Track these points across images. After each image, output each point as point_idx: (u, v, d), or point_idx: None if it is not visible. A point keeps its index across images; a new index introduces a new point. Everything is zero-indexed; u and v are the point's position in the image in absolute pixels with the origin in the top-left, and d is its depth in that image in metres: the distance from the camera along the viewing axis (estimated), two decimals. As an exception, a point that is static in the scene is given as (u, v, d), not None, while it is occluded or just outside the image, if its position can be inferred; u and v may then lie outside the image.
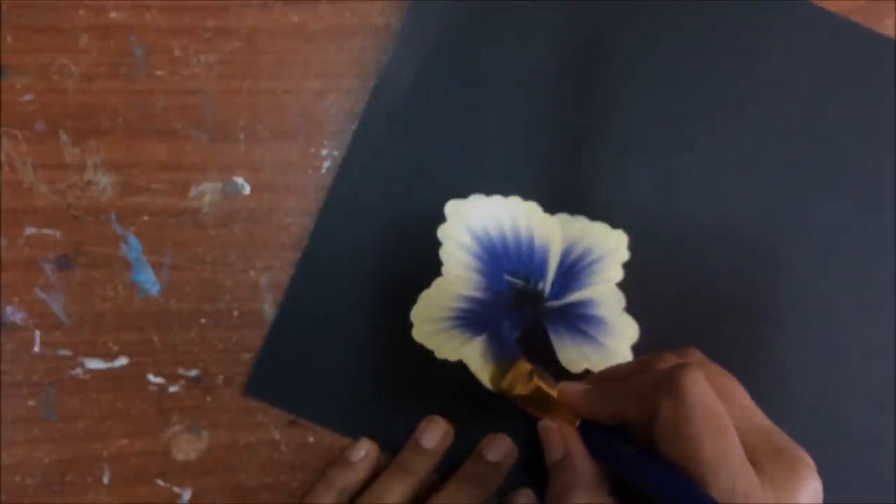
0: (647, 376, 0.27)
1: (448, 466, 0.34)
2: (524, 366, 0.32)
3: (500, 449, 0.34)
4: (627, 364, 0.31)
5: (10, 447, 0.34)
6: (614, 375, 0.30)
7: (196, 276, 0.35)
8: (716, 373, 0.28)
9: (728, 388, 0.27)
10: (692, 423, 0.25)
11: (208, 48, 0.35)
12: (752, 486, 0.24)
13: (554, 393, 0.31)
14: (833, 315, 0.35)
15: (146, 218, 0.35)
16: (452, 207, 0.34)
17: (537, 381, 0.31)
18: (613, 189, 0.35)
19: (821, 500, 0.25)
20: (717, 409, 0.25)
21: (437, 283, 0.33)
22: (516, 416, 0.33)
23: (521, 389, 0.31)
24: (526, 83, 0.35)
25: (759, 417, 0.27)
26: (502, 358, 0.32)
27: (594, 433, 0.29)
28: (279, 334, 0.35)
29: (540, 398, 0.31)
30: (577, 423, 0.29)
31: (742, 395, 0.27)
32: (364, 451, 0.34)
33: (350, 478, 0.33)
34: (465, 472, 0.33)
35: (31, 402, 0.34)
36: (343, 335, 0.34)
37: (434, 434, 0.34)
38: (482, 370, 0.33)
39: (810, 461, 0.26)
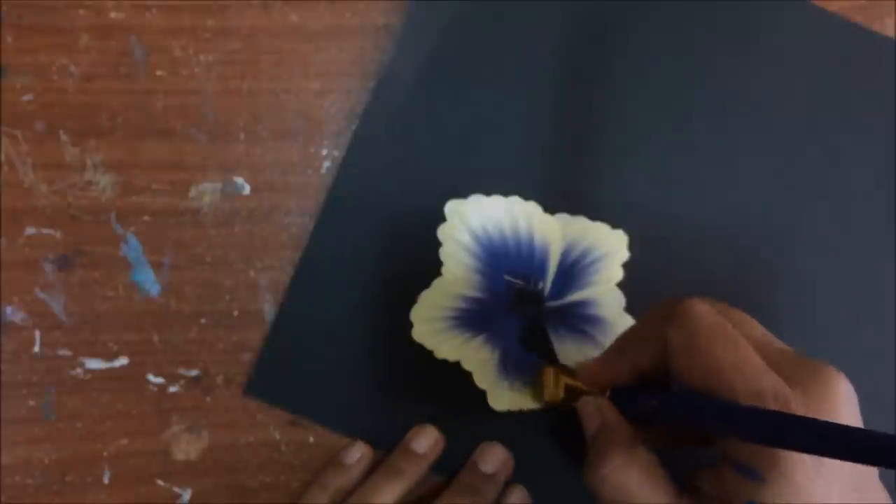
0: (649, 318, 0.27)
1: (451, 469, 0.34)
2: (549, 370, 0.32)
3: (493, 460, 0.33)
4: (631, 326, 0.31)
5: (10, 447, 0.34)
6: (622, 336, 0.30)
7: (196, 276, 0.35)
8: (724, 307, 0.27)
9: (739, 318, 0.27)
10: (701, 337, 0.24)
11: (208, 48, 0.35)
12: (780, 386, 0.23)
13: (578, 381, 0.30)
14: (833, 315, 0.35)
15: (146, 218, 0.35)
16: (452, 207, 0.34)
17: (564, 380, 0.31)
18: (613, 189, 0.35)
19: (856, 404, 0.24)
20: (723, 323, 0.25)
21: (437, 283, 0.33)
22: (516, 414, 0.33)
23: (558, 394, 0.31)
24: (526, 83, 0.35)
25: (776, 340, 0.26)
26: (529, 374, 0.32)
27: (624, 397, 0.29)
28: (279, 334, 0.35)
29: (575, 393, 0.31)
30: (608, 393, 0.29)
31: (755, 324, 0.27)
32: (358, 454, 0.34)
33: (344, 480, 0.33)
34: (460, 482, 0.33)
35: (31, 402, 0.34)
36: (343, 335, 0.34)
37: (424, 440, 0.34)
38: (522, 396, 0.32)
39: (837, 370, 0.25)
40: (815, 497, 0.23)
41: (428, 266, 0.33)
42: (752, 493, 0.23)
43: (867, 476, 0.24)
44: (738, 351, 0.24)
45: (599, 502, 0.27)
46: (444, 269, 0.33)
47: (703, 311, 0.25)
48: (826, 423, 0.21)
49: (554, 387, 0.31)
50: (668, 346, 0.26)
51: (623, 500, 0.26)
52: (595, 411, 0.29)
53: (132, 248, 0.35)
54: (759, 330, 0.27)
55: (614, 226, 0.34)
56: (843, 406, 0.24)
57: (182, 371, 0.35)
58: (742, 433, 0.23)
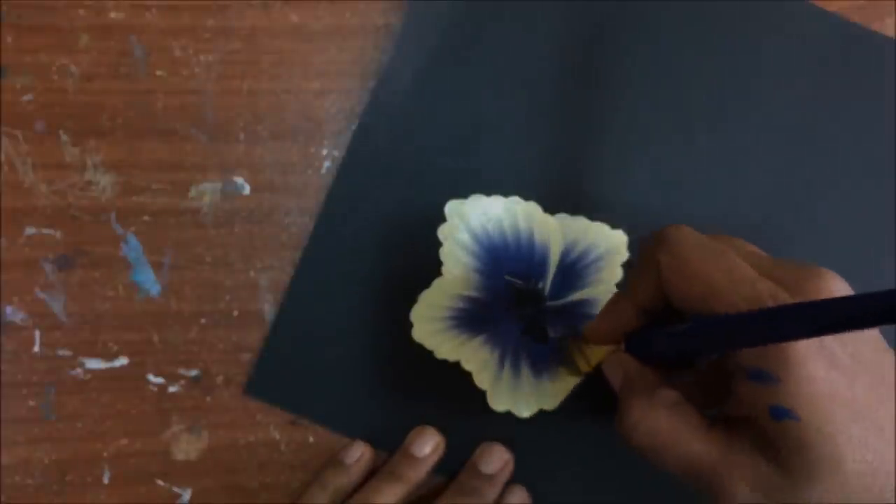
0: (641, 254, 0.27)
1: (451, 469, 0.34)
2: (570, 345, 0.32)
3: (494, 460, 0.33)
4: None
5: (10, 447, 0.34)
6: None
7: (196, 276, 0.35)
8: (712, 234, 0.27)
9: (725, 238, 0.27)
10: (689, 255, 0.25)
11: (208, 48, 0.35)
12: (774, 289, 0.23)
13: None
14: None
15: (146, 218, 0.35)
16: (452, 207, 0.34)
17: (576, 349, 0.31)
18: (613, 189, 0.35)
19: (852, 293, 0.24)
20: (708, 239, 0.25)
21: (436, 283, 0.33)
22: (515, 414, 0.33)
23: (590, 359, 0.31)
24: (526, 83, 0.35)
25: (764, 253, 0.26)
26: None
27: (640, 346, 0.28)
28: (279, 334, 0.35)
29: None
30: (623, 347, 0.29)
31: (742, 241, 0.27)
32: (358, 454, 0.34)
33: (344, 480, 0.33)
34: (460, 484, 0.33)
35: (31, 402, 0.34)
36: (343, 335, 0.34)
37: (425, 443, 0.34)
38: (564, 375, 0.32)
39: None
40: (838, 390, 0.22)
41: (428, 266, 0.33)
42: (771, 398, 0.23)
43: (892, 372, 0.24)
44: (727, 262, 0.24)
45: (635, 451, 0.26)
46: (443, 269, 0.33)
47: (685, 232, 0.26)
48: (818, 301, 0.21)
49: (582, 355, 0.31)
50: (660, 272, 0.26)
51: (656, 444, 0.26)
52: (616, 366, 0.29)
53: (132, 248, 0.35)
54: (746, 246, 0.27)
55: (614, 226, 0.34)
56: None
57: (182, 371, 0.35)
58: (745, 339, 0.23)
